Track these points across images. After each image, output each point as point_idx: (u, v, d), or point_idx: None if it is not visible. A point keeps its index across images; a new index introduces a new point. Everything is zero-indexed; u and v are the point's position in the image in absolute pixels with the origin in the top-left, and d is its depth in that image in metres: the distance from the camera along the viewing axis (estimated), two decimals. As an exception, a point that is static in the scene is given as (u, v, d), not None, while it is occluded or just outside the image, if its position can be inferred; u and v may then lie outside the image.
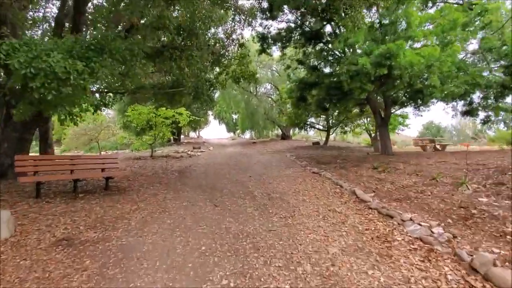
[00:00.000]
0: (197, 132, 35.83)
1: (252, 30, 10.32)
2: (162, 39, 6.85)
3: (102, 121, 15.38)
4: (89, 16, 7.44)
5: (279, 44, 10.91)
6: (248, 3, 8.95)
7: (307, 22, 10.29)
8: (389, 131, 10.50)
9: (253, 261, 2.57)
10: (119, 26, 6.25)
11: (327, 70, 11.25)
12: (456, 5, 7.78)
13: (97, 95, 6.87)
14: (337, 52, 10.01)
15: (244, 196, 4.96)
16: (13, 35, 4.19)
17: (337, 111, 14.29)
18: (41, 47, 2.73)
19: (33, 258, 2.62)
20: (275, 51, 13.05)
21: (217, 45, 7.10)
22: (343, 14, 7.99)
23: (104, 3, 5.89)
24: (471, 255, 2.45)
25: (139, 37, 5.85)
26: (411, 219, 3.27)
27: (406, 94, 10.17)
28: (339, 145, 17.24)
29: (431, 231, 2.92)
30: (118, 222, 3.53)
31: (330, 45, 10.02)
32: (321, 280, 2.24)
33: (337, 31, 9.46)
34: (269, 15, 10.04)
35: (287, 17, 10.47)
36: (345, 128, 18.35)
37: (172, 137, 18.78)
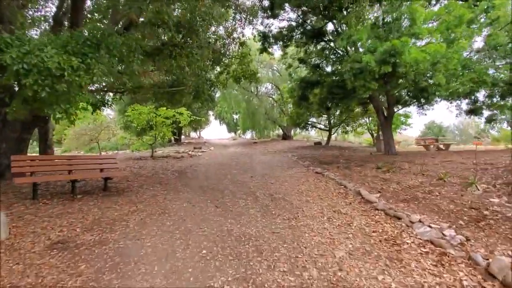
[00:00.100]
0: (198, 132, 35.74)
1: (253, 28, 10.17)
2: (162, 37, 6.75)
3: (102, 122, 15.28)
4: (88, 15, 7.36)
5: (281, 42, 10.80)
6: (249, 2, 8.81)
7: (309, 21, 10.18)
8: (392, 131, 10.35)
9: (256, 265, 2.45)
10: (119, 25, 6.16)
11: (329, 69, 11.14)
12: (461, 2, 7.62)
13: (96, 94, 6.78)
14: (339, 51, 9.89)
15: (246, 197, 4.84)
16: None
17: (339, 110, 14.15)
18: (34, 42, 2.63)
19: (27, 262, 2.51)
20: (276, 50, 12.95)
21: (218, 43, 6.97)
22: (345, 13, 7.89)
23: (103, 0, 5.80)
24: (487, 259, 2.32)
25: (139, 36, 5.77)
26: (420, 221, 3.14)
27: (409, 93, 10.03)
28: (340, 145, 17.08)
29: (442, 234, 2.79)
30: (116, 224, 3.41)
31: (332, 44, 9.90)
32: (328, 286, 2.12)
33: (340, 29, 9.34)
34: (270, 13, 9.93)
35: (288, 16, 10.37)
36: (347, 127, 18.19)
37: (172, 137, 18.68)
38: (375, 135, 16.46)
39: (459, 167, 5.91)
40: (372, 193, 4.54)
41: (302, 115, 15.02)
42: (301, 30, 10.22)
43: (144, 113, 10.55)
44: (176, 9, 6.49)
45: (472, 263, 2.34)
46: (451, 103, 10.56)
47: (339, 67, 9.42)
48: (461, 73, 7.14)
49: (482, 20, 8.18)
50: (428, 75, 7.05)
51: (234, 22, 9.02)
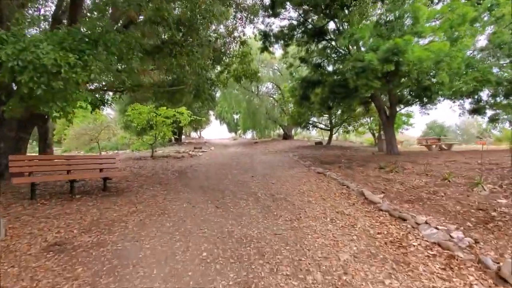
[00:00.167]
0: (199, 132, 35.69)
1: (253, 27, 10.11)
2: (162, 36, 6.68)
3: (102, 121, 15.24)
4: (88, 14, 7.29)
5: (282, 41, 10.72)
6: (250, 0, 8.72)
7: (310, 19, 10.10)
8: (394, 130, 10.26)
9: (258, 268, 2.37)
10: (119, 23, 6.10)
11: (330, 68, 11.05)
12: (464, 0, 7.52)
13: (95, 93, 6.72)
14: (341, 50, 9.80)
15: (247, 197, 4.76)
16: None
17: (340, 110, 14.05)
18: (30, 39, 2.56)
19: (22, 265, 2.44)
20: (277, 49, 12.86)
21: (218, 41, 6.89)
22: (346, 12, 7.81)
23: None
24: (497, 263, 2.24)
25: (139, 34, 5.69)
26: (426, 222, 3.06)
27: (411, 92, 9.94)
28: (341, 145, 16.98)
29: (450, 236, 2.71)
30: (114, 225, 3.34)
31: (333, 42, 9.81)
32: (333, 291, 2.04)
33: (341, 27, 9.25)
34: (271, 12, 9.85)
35: (289, 14, 10.29)
36: (348, 127, 18.10)
37: (173, 137, 18.62)
38: (376, 135, 16.38)
39: (463, 167, 5.82)
40: (375, 193, 4.45)
41: (304, 114, 14.93)
42: (302, 29, 10.13)
43: (144, 112, 10.48)
44: (177, 8, 6.43)
45: (482, 267, 2.26)
46: (454, 102, 10.47)
47: (341, 66, 9.33)
48: (464, 72, 7.04)
49: (486, 18, 8.09)
50: (431, 74, 6.96)
51: (234, 21, 8.95)
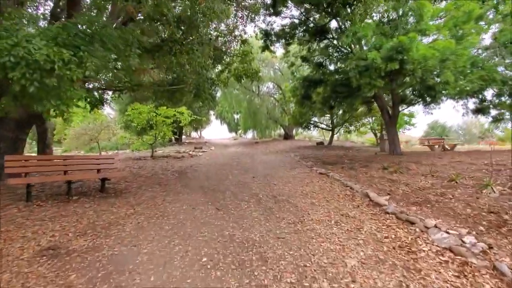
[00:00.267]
0: (199, 132, 35.59)
1: (254, 26, 9.97)
2: (162, 34, 6.56)
3: (102, 121, 15.14)
4: (86, 12, 7.19)
5: (283, 40, 10.58)
6: (251, -2, 8.61)
7: (312, 18, 9.97)
8: (397, 130, 10.12)
9: (261, 275, 2.25)
10: (118, 20, 5.99)
11: (332, 67, 10.92)
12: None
13: (95, 93, 6.61)
14: (343, 49, 9.67)
15: (248, 198, 4.64)
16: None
17: (342, 109, 13.92)
18: (23, 34, 2.45)
19: (14, 270, 2.33)
20: (278, 48, 12.72)
21: (219, 39, 6.77)
22: (349, 10, 7.67)
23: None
24: (514, 270, 2.11)
25: (138, 32, 5.58)
26: (435, 226, 2.93)
27: (415, 92, 9.79)
28: (343, 145, 16.85)
29: (462, 241, 2.58)
30: (111, 228, 3.23)
31: (336, 41, 9.68)
32: (341, 301, 1.92)
33: (344, 26, 9.12)
34: (272, 11, 9.72)
35: (291, 13, 10.16)
36: (350, 127, 17.96)
37: (173, 137, 18.52)
38: (378, 134, 16.24)
39: (469, 168, 5.68)
40: (380, 195, 4.33)
41: (305, 114, 14.79)
42: (304, 27, 10.00)
43: (144, 112, 10.38)
44: (177, 7, 6.32)
45: (498, 274, 2.13)
46: (457, 102, 10.31)
47: (343, 65, 9.20)
48: (469, 71, 6.90)
49: (491, 16, 7.95)
50: (435, 72, 6.83)
51: (235, 20, 8.83)
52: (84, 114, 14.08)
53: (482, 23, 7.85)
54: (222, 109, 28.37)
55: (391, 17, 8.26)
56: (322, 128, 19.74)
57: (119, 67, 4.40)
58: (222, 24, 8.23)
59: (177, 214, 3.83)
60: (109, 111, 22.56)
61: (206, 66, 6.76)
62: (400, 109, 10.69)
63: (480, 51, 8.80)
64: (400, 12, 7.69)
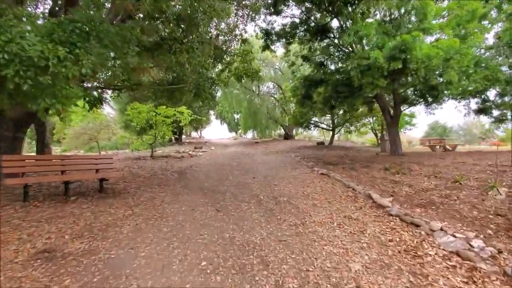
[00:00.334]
0: (199, 132, 35.53)
1: (255, 25, 9.88)
2: (161, 32, 6.48)
3: (102, 121, 15.06)
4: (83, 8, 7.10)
5: (283, 40, 10.49)
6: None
7: (313, 17, 9.89)
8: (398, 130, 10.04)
9: (262, 280, 2.18)
10: (117, 19, 5.90)
11: (333, 67, 10.83)
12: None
13: (94, 92, 6.53)
14: (344, 48, 9.59)
15: (248, 200, 4.56)
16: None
17: (342, 109, 13.84)
18: (17, 29, 2.37)
19: (7, 274, 2.25)
20: (279, 48, 12.63)
21: (219, 37, 6.69)
22: (350, 9, 7.59)
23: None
24: (525, 276, 2.03)
25: (137, 30, 5.50)
26: (441, 229, 2.85)
27: (416, 91, 9.72)
28: (343, 145, 16.78)
29: (470, 244, 2.50)
30: (108, 230, 3.15)
31: (337, 40, 9.59)
32: (346, 308, 1.84)
33: (345, 25, 9.04)
34: (273, 10, 9.63)
35: (292, 12, 10.13)
36: (351, 127, 17.88)
37: (173, 137, 18.44)
38: (379, 135, 16.16)
39: (473, 168, 5.61)
40: (383, 196, 4.25)
41: (306, 114, 14.71)
42: (305, 26, 9.91)
43: (143, 111, 10.30)
44: (177, 6, 6.24)
45: (508, 280, 2.05)
46: (459, 102, 10.25)
47: (345, 65, 9.12)
48: (473, 70, 6.82)
49: (494, 15, 7.87)
50: (437, 72, 6.75)
51: (236, 19, 8.75)
52: (83, 113, 13.99)
53: (485, 22, 7.77)
54: (222, 108, 28.32)
55: (393, 16, 8.19)
56: (323, 128, 19.67)
57: (117, 65, 4.32)
58: (223, 23, 8.16)
59: (176, 215, 3.76)
60: (109, 110, 22.47)
61: (206, 65, 6.69)
62: (402, 109, 10.61)
63: (483, 50, 8.73)
64: (403, 11, 7.62)
